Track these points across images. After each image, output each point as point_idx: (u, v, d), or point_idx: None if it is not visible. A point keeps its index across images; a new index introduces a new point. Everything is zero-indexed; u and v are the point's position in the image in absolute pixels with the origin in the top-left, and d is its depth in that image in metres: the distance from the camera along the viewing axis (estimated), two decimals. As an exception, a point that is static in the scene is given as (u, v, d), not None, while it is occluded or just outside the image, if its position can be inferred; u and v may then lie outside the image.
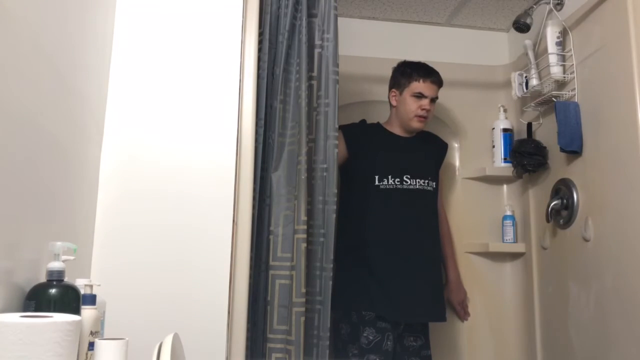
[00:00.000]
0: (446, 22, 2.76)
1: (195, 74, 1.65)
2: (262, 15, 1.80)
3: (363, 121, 2.37)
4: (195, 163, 1.60)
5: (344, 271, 2.02)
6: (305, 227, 1.71)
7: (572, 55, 2.11)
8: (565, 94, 2.13)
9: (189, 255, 1.56)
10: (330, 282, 1.71)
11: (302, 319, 1.66)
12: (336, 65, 1.81)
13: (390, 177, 2.19)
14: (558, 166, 2.19)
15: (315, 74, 1.82)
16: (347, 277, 2.08)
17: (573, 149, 2.04)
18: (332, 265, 1.71)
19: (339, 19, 1.86)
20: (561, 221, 2.15)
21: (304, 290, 1.67)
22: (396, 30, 2.74)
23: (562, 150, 2.07)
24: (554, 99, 2.17)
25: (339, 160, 1.99)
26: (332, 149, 1.76)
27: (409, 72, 2.25)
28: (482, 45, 2.78)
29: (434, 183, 2.28)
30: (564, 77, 2.14)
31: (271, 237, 1.73)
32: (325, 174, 1.75)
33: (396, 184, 2.19)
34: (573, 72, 2.10)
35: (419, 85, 2.22)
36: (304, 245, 1.69)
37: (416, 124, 2.25)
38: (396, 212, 2.17)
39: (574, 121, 2.03)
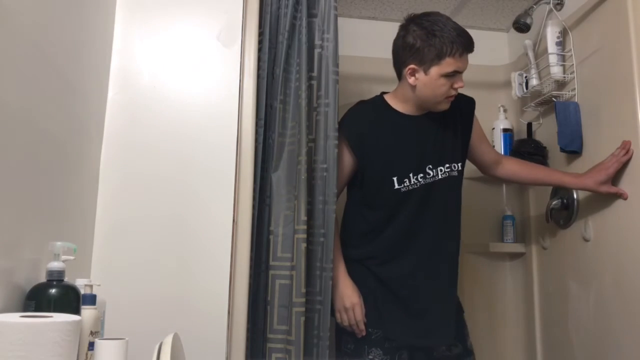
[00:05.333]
0: (446, 22, 2.75)
1: (195, 73, 1.65)
2: (262, 15, 1.80)
3: (361, 107, 1.87)
4: (195, 163, 1.60)
5: (352, 279, 1.79)
6: (305, 227, 1.71)
7: (572, 55, 2.11)
8: (565, 94, 2.13)
9: (189, 256, 1.56)
10: (331, 282, 1.71)
11: (302, 319, 1.66)
12: (336, 65, 1.81)
13: (411, 175, 1.76)
14: (558, 166, 2.19)
15: (315, 74, 1.82)
16: (359, 287, 1.80)
17: (573, 149, 2.03)
18: (332, 266, 1.71)
19: (338, 19, 1.86)
20: (561, 221, 2.15)
21: (304, 290, 1.67)
22: (396, 30, 2.73)
23: (562, 150, 2.07)
24: (554, 99, 2.17)
25: (348, 172, 1.82)
26: (332, 149, 1.76)
27: (441, 44, 1.66)
28: (482, 45, 2.75)
29: (460, 164, 1.83)
30: (564, 77, 2.13)
31: (271, 237, 1.73)
32: (325, 174, 1.75)
33: (419, 181, 1.77)
34: (573, 72, 2.10)
35: (454, 62, 1.68)
36: (304, 245, 1.69)
37: (444, 106, 1.77)
38: (416, 215, 1.78)
39: (574, 121, 2.03)
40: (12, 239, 1.06)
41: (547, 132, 2.29)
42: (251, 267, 1.65)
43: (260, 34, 1.79)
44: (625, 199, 1.78)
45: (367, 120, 1.83)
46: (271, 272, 1.71)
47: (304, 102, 1.77)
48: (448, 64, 1.67)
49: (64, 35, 1.30)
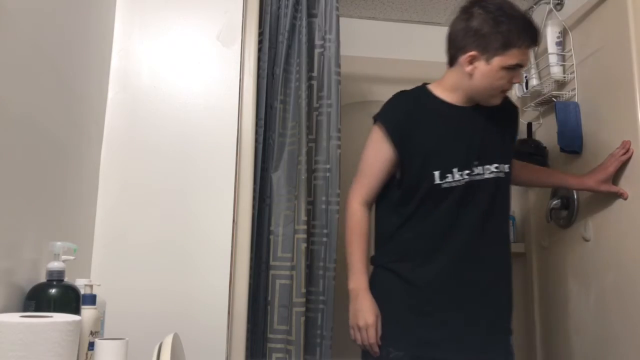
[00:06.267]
0: (446, 22, 2.75)
1: (195, 73, 1.65)
2: (262, 15, 1.80)
3: (402, 96, 1.68)
4: (195, 163, 1.60)
5: (379, 290, 1.61)
6: (305, 227, 1.71)
7: (572, 55, 2.11)
8: (565, 94, 2.13)
9: (189, 256, 1.56)
10: (334, 282, 1.71)
11: (303, 319, 1.66)
12: (338, 65, 1.81)
13: (456, 170, 1.57)
14: (558, 166, 2.19)
15: (315, 74, 1.82)
16: (380, 299, 1.59)
17: (573, 149, 2.03)
18: (334, 265, 1.71)
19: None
20: (561, 221, 2.15)
21: (304, 290, 1.67)
22: (396, 30, 2.74)
23: (562, 150, 2.07)
24: (554, 99, 2.17)
25: (386, 167, 1.62)
26: (335, 149, 1.76)
27: (509, 33, 1.52)
28: (482, 45, 2.78)
29: (507, 166, 1.65)
30: (564, 77, 2.13)
31: (271, 237, 1.73)
32: (328, 174, 1.75)
33: (463, 178, 1.58)
34: (573, 72, 2.10)
35: (519, 55, 1.54)
36: (304, 245, 1.69)
37: (497, 100, 1.63)
38: (456, 216, 1.59)
39: (574, 121, 2.03)
40: (12, 239, 1.06)
41: (547, 132, 2.29)
42: (251, 267, 1.65)
43: (260, 34, 1.79)
44: (625, 198, 1.78)
45: (409, 110, 1.64)
46: (271, 272, 1.72)
47: (304, 102, 1.77)
48: (512, 56, 1.53)
49: (64, 35, 1.30)
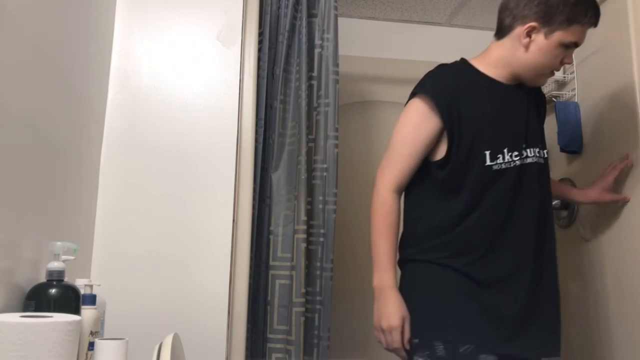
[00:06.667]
0: (446, 22, 2.75)
1: (195, 73, 1.65)
2: (262, 15, 1.80)
3: (446, 68, 1.53)
4: (195, 163, 1.61)
5: (424, 285, 1.45)
6: (305, 227, 1.71)
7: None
8: (565, 94, 2.13)
9: (189, 256, 1.56)
10: (331, 282, 1.71)
11: (302, 319, 1.66)
12: (336, 65, 1.81)
13: (506, 151, 1.43)
14: (558, 166, 2.19)
15: (315, 74, 1.82)
16: (430, 293, 1.43)
17: (573, 149, 2.03)
18: (332, 265, 1.71)
19: (338, 19, 1.86)
20: (561, 221, 2.15)
21: (304, 290, 1.67)
22: (396, 30, 2.74)
23: (562, 150, 2.07)
24: (554, 99, 2.17)
25: (429, 141, 1.44)
26: (332, 149, 1.76)
27: (576, 7, 1.43)
28: (482, 45, 2.73)
29: (546, 151, 1.53)
30: (564, 77, 2.13)
31: (271, 237, 1.73)
32: (325, 174, 1.75)
33: (513, 160, 1.44)
34: (573, 72, 2.10)
35: (580, 32, 1.45)
36: (304, 245, 1.69)
37: (543, 81, 1.53)
38: (510, 201, 1.44)
39: (574, 121, 2.03)
40: (12, 239, 1.06)
41: (547, 132, 2.29)
42: (251, 267, 1.65)
43: (260, 34, 1.79)
44: (628, 201, 1.79)
45: (457, 83, 1.48)
46: (271, 272, 1.72)
47: (304, 102, 1.77)
48: (574, 32, 1.43)
49: (64, 35, 1.30)
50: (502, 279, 1.42)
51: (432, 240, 1.45)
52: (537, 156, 1.47)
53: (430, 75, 1.51)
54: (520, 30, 1.45)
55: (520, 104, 1.50)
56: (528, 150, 1.46)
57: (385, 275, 1.42)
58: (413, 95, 1.49)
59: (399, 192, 1.47)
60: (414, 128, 1.45)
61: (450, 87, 1.46)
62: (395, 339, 1.39)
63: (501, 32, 1.51)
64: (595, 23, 1.47)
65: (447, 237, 1.43)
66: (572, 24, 1.42)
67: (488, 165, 1.42)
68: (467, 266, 1.41)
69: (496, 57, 1.51)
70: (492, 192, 1.43)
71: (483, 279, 1.41)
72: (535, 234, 1.46)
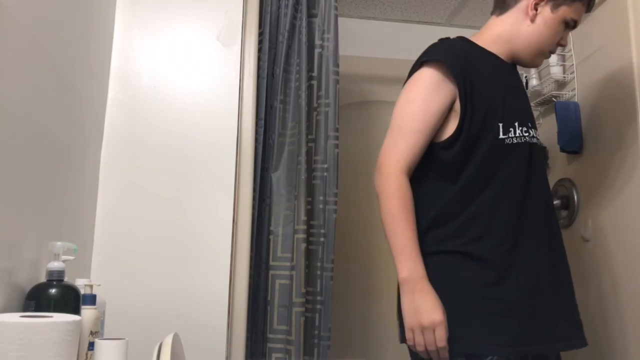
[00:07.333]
0: (446, 22, 2.76)
1: (195, 73, 1.65)
2: (262, 15, 1.80)
3: (452, 39, 1.44)
4: (195, 163, 1.61)
5: (447, 281, 1.26)
6: (305, 227, 1.71)
7: (572, 55, 2.11)
8: (565, 94, 2.13)
9: (189, 256, 1.56)
10: (331, 282, 1.71)
11: (302, 319, 1.66)
12: (336, 65, 1.81)
13: (517, 124, 1.34)
14: (558, 166, 2.19)
15: (315, 74, 1.82)
16: (447, 295, 1.24)
17: (573, 149, 2.03)
18: (332, 265, 1.71)
19: (339, 19, 1.86)
20: (561, 221, 2.15)
21: (304, 290, 1.67)
22: (396, 30, 2.74)
23: (562, 150, 2.07)
24: (554, 99, 2.17)
25: (444, 109, 1.32)
26: (333, 149, 1.76)
27: None
28: (482, 45, 2.78)
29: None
30: (564, 77, 2.14)
31: (271, 237, 1.73)
32: (325, 174, 1.75)
33: (523, 135, 1.34)
34: (573, 72, 2.10)
35: (581, 10, 1.43)
36: (304, 245, 1.69)
37: (540, 61, 1.47)
38: (524, 180, 1.33)
39: (574, 121, 2.03)
40: (12, 239, 1.06)
41: (547, 132, 2.29)
42: (251, 267, 1.65)
43: (260, 34, 1.79)
44: None
45: (466, 51, 1.39)
46: (271, 272, 1.72)
47: (304, 102, 1.77)
48: (576, 10, 1.41)
49: (64, 35, 1.30)
50: (527, 270, 1.28)
51: (442, 229, 1.30)
52: (537, 139, 1.39)
53: (438, 45, 1.41)
54: (527, 1, 1.41)
55: (519, 83, 1.46)
56: (532, 131, 1.38)
57: (415, 264, 1.23)
58: (420, 65, 1.38)
59: (409, 173, 1.31)
60: (424, 102, 1.32)
61: (461, 54, 1.36)
62: (441, 337, 1.19)
63: (503, 7, 1.45)
64: (589, 8, 1.46)
65: (460, 221, 1.29)
66: (576, 1, 1.40)
67: (501, 139, 1.31)
68: (491, 251, 1.26)
69: (496, 33, 1.45)
70: (505, 169, 1.31)
71: (506, 267, 1.26)
72: (547, 224, 1.34)
